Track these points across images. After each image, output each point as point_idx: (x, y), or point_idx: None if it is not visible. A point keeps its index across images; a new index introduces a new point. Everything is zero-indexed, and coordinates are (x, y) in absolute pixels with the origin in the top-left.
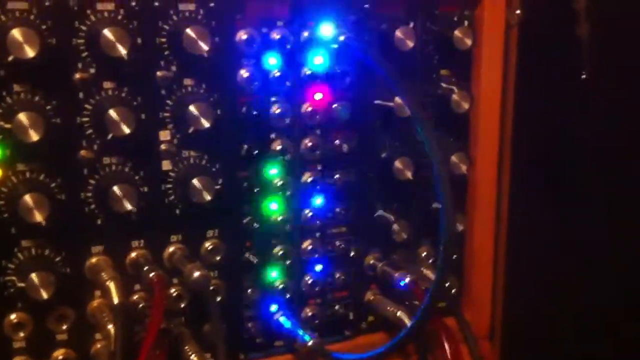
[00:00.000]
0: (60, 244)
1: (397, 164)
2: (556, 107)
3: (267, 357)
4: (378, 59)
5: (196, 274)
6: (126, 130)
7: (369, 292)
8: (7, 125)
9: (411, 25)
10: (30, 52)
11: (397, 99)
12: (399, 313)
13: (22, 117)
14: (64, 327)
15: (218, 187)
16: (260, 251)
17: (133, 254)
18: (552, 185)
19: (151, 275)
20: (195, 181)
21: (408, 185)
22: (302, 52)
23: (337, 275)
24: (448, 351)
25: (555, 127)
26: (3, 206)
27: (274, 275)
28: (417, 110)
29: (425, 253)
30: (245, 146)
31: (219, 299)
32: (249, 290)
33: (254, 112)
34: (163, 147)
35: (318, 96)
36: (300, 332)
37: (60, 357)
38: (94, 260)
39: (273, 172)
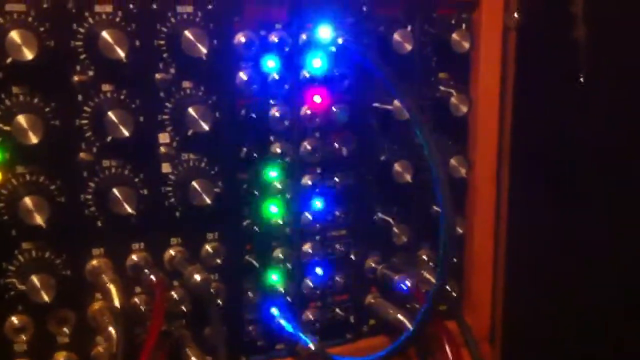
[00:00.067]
0: (60, 246)
1: (397, 167)
2: (554, 110)
3: None
4: (376, 61)
5: (197, 276)
6: (125, 132)
7: (369, 295)
8: (6, 128)
9: (409, 28)
10: (28, 54)
11: (396, 102)
12: (399, 316)
13: (21, 119)
14: (65, 329)
15: (218, 189)
16: (260, 254)
17: (133, 257)
18: (552, 187)
19: (152, 277)
20: (194, 184)
21: (407, 188)
22: (301, 54)
23: (338, 278)
24: (449, 354)
25: (554, 130)
26: (3, 208)
27: (274, 278)
28: (416, 113)
29: (425, 256)
30: (245, 149)
31: (219, 301)
32: (250, 293)
33: (253, 115)
34: (162, 149)
35: (317, 99)
36: (301, 336)
37: (62, 359)
38: (94, 262)
39: (272, 174)
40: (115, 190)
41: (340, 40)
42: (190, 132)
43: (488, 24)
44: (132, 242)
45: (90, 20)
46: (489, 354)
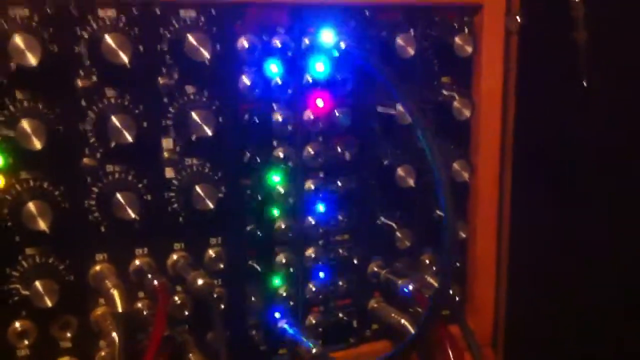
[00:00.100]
0: (63, 251)
1: (399, 171)
2: (557, 113)
3: None
4: (379, 66)
5: (199, 281)
6: (129, 137)
7: (372, 299)
8: (10, 133)
9: (411, 32)
10: (32, 60)
11: (399, 106)
12: (402, 321)
13: (25, 124)
14: (68, 334)
15: (221, 194)
16: (263, 259)
17: (136, 262)
18: (554, 191)
19: (154, 282)
20: (198, 189)
21: (410, 193)
22: (304, 59)
23: (341, 282)
24: (452, 358)
25: (556, 133)
26: (7, 214)
27: (277, 282)
28: (419, 117)
29: (428, 260)
30: (248, 154)
31: (222, 306)
32: (252, 298)
33: (256, 120)
34: (166, 154)
35: (320, 103)
36: (304, 340)
37: None
38: (97, 268)
39: (276, 179)
40: (118, 196)
41: (342, 45)
42: (193, 137)
43: (490, 28)
44: (135, 247)
45: (94, 25)
46: (492, 358)
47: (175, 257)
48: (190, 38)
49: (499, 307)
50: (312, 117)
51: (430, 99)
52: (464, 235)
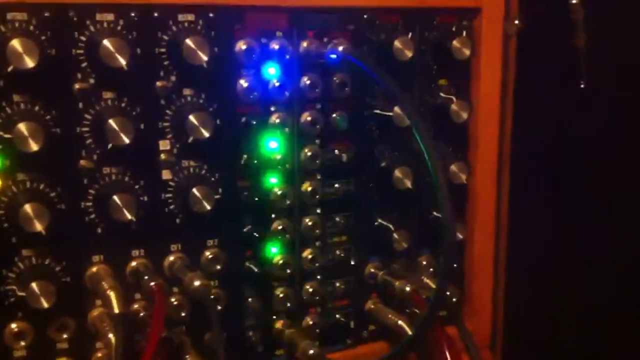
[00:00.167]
0: (60, 253)
1: (397, 173)
2: (555, 116)
3: None
4: (376, 68)
5: (196, 283)
6: (126, 140)
7: (369, 301)
8: (7, 135)
9: (410, 35)
10: (29, 63)
11: (396, 109)
12: (400, 322)
13: (22, 127)
14: (65, 336)
15: (218, 196)
16: (260, 260)
17: (133, 263)
18: (552, 193)
19: (151, 284)
20: (195, 190)
21: (408, 195)
22: (301, 62)
23: (338, 284)
24: None
25: (554, 136)
26: (3, 216)
27: (274, 283)
28: (416, 119)
29: (425, 262)
30: (245, 156)
31: (219, 307)
32: (250, 299)
33: (254, 122)
34: (163, 156)
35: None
36: (302, 341)
37: None
38: (94, 269)
39: (273, 181)
40: (115, 197)
41: (341, 48)
42: (190, 139)
43: (488, 31)
44: (132, 249)
45: (92, 28)
46: None
47: (172, 258)
48: (188, 41)
49: (497, 308)
50: (309, 119)
51: (428, 101)
52: (461, 237)
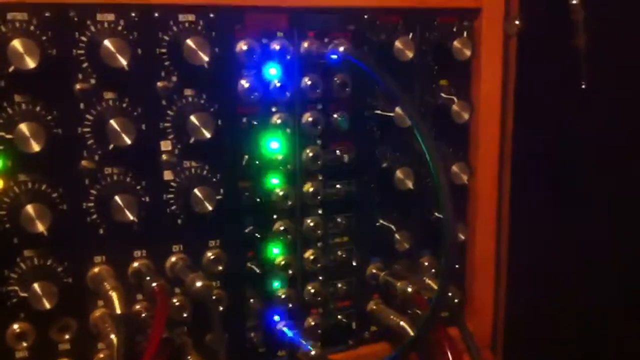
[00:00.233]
0: (62, 254)
1: (398, 173)
2: (555, 116)
3: None
4: (377, 69)
5: (198, 283)
6: (127, 140)
7: (371, 301)
8: (9, 136)
9: (410, 36)
10: (30, 63)
11: (398, 109)
12: (401, 323)
13: (23, 127)
14: (67, 337)
15: (219, 197)
16: (262, 261)
17: (135, 264)
18: (553, 193)
19: (153, 285)
20: (196, 191)
21: (409, 195)
22: (302, 62)
23: (340, 285)
24: None
25: (555, 136)
26: (5, 216)
27: (276, 284)
28: (417, 120)
29: (427, 262)
30: (246, 156)
31: (221, 308)
32: (251, 300)
33: (255, 123)
34: (164, 157)
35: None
36: (303, 342)
37: None
38: (96, 270)
39: (274, 181)
40: (117, 198)
41: (341, 48)
42: (192, 140)
43: (489, 32)
44: (133, 250)
45: (93, 28)
46: None
47: (173, 259)
48: (189, 42)
49: (499, 309)
50: (310, 120)
51: (429, 102)
52: (463, 237)
